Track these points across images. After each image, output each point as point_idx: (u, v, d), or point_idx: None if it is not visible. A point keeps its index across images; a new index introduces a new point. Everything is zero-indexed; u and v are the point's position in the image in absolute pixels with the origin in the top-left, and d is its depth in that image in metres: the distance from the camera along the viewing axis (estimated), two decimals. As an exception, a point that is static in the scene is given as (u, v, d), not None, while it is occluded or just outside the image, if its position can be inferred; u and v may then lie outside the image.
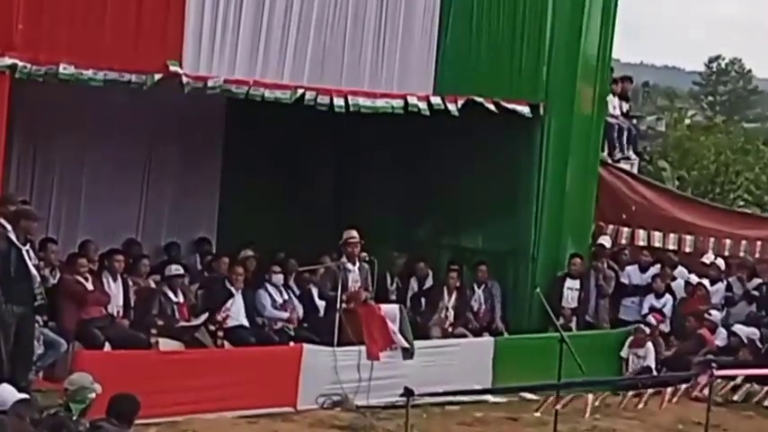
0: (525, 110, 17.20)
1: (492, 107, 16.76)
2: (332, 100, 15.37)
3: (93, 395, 9.58)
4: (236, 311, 15.41)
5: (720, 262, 18.71)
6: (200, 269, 17.28)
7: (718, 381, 13.91)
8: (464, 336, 17.08)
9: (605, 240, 18.78)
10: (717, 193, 31.22)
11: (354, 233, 15.67)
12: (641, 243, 19.33)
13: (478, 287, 17.79)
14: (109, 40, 13.75)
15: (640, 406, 13.18)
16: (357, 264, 15.66)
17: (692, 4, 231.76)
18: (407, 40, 16.20)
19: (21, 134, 15.79)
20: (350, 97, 15.57)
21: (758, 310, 18.11)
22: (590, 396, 12.56)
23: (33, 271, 12.78)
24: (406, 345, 15.42)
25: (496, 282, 17.85)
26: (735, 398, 16.22)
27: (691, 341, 17.86)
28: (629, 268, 18.90)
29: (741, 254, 19.12)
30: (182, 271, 15.67)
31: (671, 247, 19.27)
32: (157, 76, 13.99)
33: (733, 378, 16.14)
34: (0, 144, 13.37)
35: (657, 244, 19.31)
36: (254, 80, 14.82)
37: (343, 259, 15.53)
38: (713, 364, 14.30)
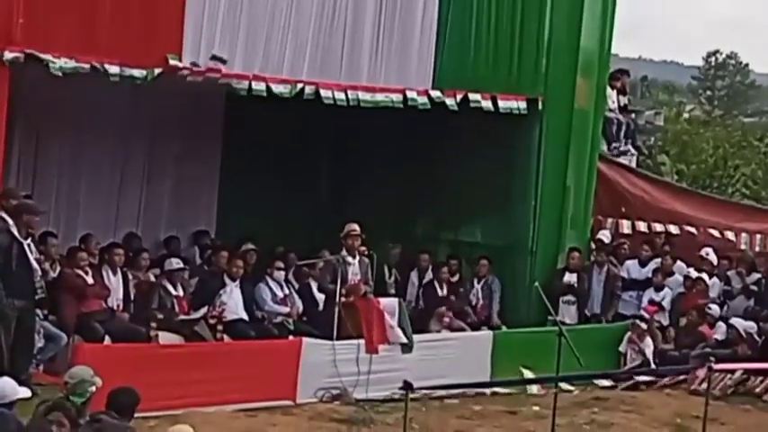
0: (522, 105, 17.23)
1: (489, 105, 16.78)
2: (333, 94, 15.40)
3: (94, 388, 9.61)
4: (234, 305, 15.45)
5: (713, 257, 18.77)
6: (199, 263, 17.33)
7: (716, 374, 13.96)
8: (462, 330, 17.14)
9: (604, 235, 18.82)
10: (715, 187, 31.28)
11: (355, 226, 15.70)
12: (642, 229, 19.37)
13: (478, 282, 17.85)
14: (109, 35, 13.78)
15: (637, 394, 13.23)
16: (357, 257, 15.71)
17: (691, 0, 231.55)
18: (406, 34, 16.24)
19: (21, 128, 15.84)
20: (349, 91, 15.61)
21: (756, 304, 18.16)
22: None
23: (34, 265, 12.83)
24: (404, 340, 15.45)
25: (496, 277, 17.88)
26: (728, 383, 16.30)
27: (692, 336, 17.89)
28: (628, 263, 18.91)
29: (742, 246, 19.18)
30: (181, 265, 15.72)
31: (673, 231, 19.29)
32: (157, 71, 14.02)
33: (731, 372, 16.25)
34: (0, 138, 13.41)
35: (659, 229, 19.34)
36: (254, 74, 14.86)
37: (343, 252, 15.56)
38: (711, 358, 14.34)
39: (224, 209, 18.69)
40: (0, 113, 13.32)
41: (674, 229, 19.33)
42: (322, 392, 14.83)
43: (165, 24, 14.18)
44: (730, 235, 19.32)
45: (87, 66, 13.65)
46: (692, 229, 19.36)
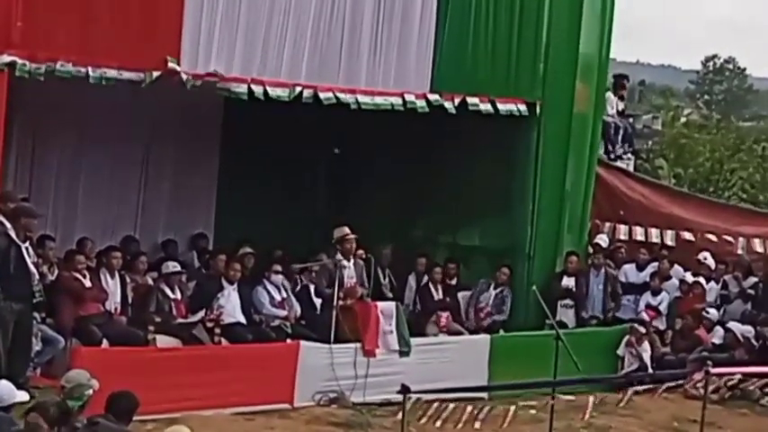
0: (522, 108, 17.24)
1: (488, 107, 16.80)
2: (333, 97, 15.42)
3: (91, 392, 9.62)
4: (231, 308, 15.44)
5: (711, 261, 18.78)
6: (197, 266, 17.33)
7: (714, 378, 13.97)
8: (460, 333, 17.15)
9: (602, 239, 18.82)
10: (712, 191, 31.28)
11: (347, 229, 15.72)
12: (639, 238, 19.37)
13: (495, 288, 17.81)
14: (107, 38, 13.77)
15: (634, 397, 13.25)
16: (352, 260, 15.72)
17: (689, 4, 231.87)
18: (405, 38, 16.23)
19: (19, 131, 15.82)
20: (348, 95, 15.61)
21: (753, 308, 18.17)
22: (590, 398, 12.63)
23: (32, 268, 12.82)
24: (395, 348, 15.48)
25: (510, 289, 17.83)
26: (725, 387, 16.32)
27: (688, 341, 17.91)
28: (625, 266, 18.93)
29: (739, 251, 19.18)
30: (179, 268, 15.71)
31: (669, 243, 19.29)
32: (156, 74, 14.02)
33: (729, 376, 16.26)
34: (-2, 141, 13.41)
35: (655, 240, 19.34)
36: (252, 78, 14.86)
37: (339, 256, 15.56)
38: (708, 362, 14.35)
39: (222, 212, 18.69)
40: (-3, 116, 13.33)
41: (670, 236, 19.31)
42: (319, 396, 14.85)
43: (163, 27, 14.16)
44: (728, 237, 19.31)
45: (85, 69, 13.64)
46: (690, 237, 19.33)
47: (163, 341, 14.68)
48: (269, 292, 16.06)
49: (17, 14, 13.13)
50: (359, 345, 15.19)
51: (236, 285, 15.60)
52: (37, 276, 12.96)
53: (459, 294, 17.89)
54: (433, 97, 16.38)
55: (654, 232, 19.40)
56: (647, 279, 18.73)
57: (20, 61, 13.20)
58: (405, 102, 16.13)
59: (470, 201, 18.17)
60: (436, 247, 18.71)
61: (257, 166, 18.31)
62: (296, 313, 16.28)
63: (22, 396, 9.87)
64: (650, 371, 17.12)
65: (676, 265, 18.95)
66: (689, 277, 18.70)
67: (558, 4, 17.54)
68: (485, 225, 18.40)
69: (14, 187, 15.41)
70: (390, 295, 17.16)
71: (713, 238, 19.26)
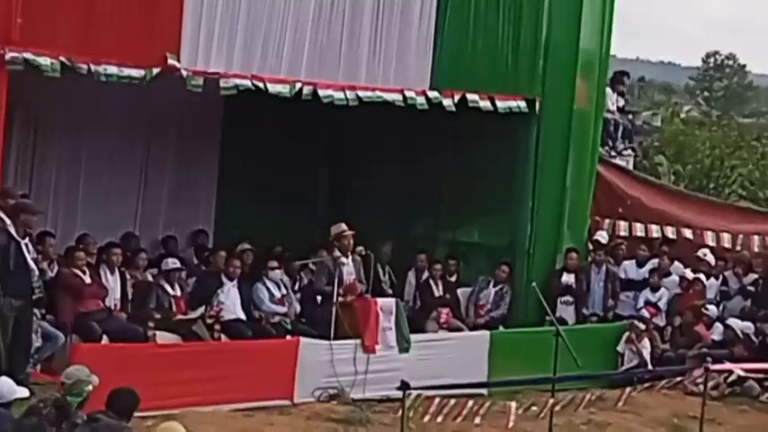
0: (521, 105, 17.24)
1: (488, 104, 16.79)
2: (332, 94, 15.42)
3: (91, 387, 9.62)
4: (231, 304, 15.46)
5: (711, 258, 18.78)
6: (197, 263, 17.34)
7: (713, 374, 13.99)
8: (460, 329, 17.15)
9: (601, 236, 18.82)
10: (712, 187, 31.28)
11: (345, 226, 15.72)
12: (639, 234, 19.36)
13: (495, 285, 17.81)
14: (107, 35, 13.77)
15: (634, 394, 13.26)
16: (350, 257, 15.73)
17: (689, 3, 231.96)
18: (404, 35, 16.22)
19: (19, 128, 15.84)
20: (348, 91, 15.62)
21: (753, 305, 18.17)
22: (587, 395, 12.65)
23: (32, 264, 12.84)
24: (392, 344, 15.48)
25: (509, 286, 17.83)
26: (725, 383, 16.33)
27: (687, 337, 17.91)
28: (626, 263, 18.91)
29: (737, 248, 19.17)
30: (179, 264, 15.73)
31: (670, 236, 19.27)
32: (156, 71, 14.03)
33: (728, 372, 16.27)
34: (-2, 138, 13.42)
35: (656, 235, 19.33)
36: (252, 74, 14.86)
37: (337, 253, 15.57)
38: (708, 359, 14.36)
39: (222, 209, 18.70)
40: (-2, 113, 13.34)
41: (671, 232, 19.30)
42: (319, 392, 14.84)
43: (163, 24, 14.17)
44: (726, 238, 19.30)
45: (85, 66, 13.65)
46: (689, 233, 19.33)
47: (162, 337, 14.68)
48: (268, 289, 16.08)
49: (17, 11, 13.13)
50: (359, 341, 15.19)
51: (235, 282, 15.63)
52: (37, 273, 12.98)
53: (459, 291, 17.90)
54: (433, 94, 16.37)
55: (654, 228, 19.39)
56: (647, 275, 18.73)
57: (20, 58, 13.20)
58: (405, 98, 16.13)
59: (470, 198, 18.17)
60: (436, 244, 18.72)
61: (257, 163, 18.32)
62: (295, 310, 16.30)
63: (22, 392, 9.88)
64: (650, 367, 17.12)
65: (676, 262, 18.94)
66: (689, 274, 18.69)
67: (558, 0, 17.54)
68: (484, 222, 18.40)
69: (15, 184, 15.44)
70: (390, 292, 17.17)
71: (711, 241, 19.24)
